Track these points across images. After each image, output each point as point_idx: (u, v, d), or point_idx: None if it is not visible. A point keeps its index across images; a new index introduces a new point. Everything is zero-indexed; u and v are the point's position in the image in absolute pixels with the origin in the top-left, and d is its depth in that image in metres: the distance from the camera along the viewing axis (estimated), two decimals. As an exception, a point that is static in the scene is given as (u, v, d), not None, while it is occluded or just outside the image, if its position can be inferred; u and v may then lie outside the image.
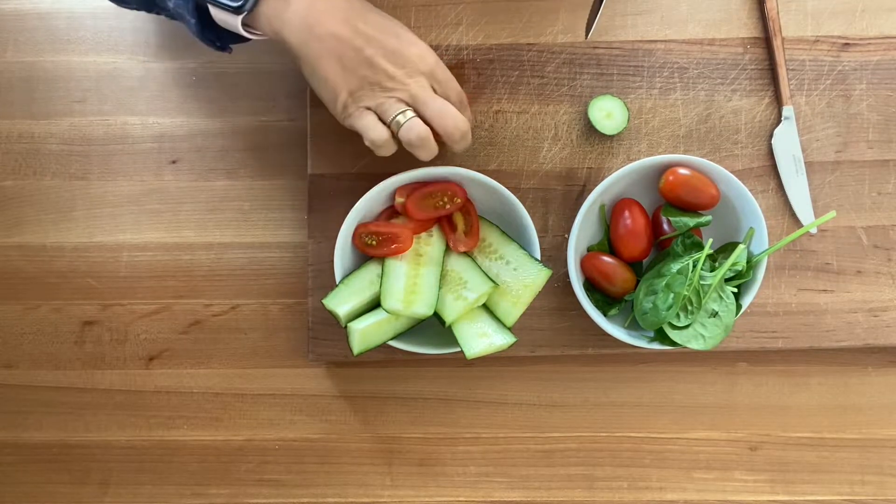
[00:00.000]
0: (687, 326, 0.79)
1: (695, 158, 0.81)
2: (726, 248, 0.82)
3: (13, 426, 0.89)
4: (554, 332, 0.86)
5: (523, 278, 0.81)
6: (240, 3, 0.72)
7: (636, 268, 0.84)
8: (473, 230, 0.83)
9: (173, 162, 0.90)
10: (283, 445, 0.89)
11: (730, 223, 0.83)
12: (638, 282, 0.82)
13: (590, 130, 0.87)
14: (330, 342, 0.87)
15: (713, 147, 0.87)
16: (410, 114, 0.75)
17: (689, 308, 0.79)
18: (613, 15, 0.88)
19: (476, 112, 0.87)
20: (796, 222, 0.87)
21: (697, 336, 0.79)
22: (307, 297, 0.87)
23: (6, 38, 0.91)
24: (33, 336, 0.90)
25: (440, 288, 0.81)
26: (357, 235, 0.82)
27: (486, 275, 0.81)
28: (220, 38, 0.78)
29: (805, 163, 0.87)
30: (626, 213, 0.83)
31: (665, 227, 0.84)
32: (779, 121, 0.87)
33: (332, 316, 0.82)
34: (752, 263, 0.81)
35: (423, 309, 0.79)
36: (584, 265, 0.84)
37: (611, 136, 0.87)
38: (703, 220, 0.81)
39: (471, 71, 0.88)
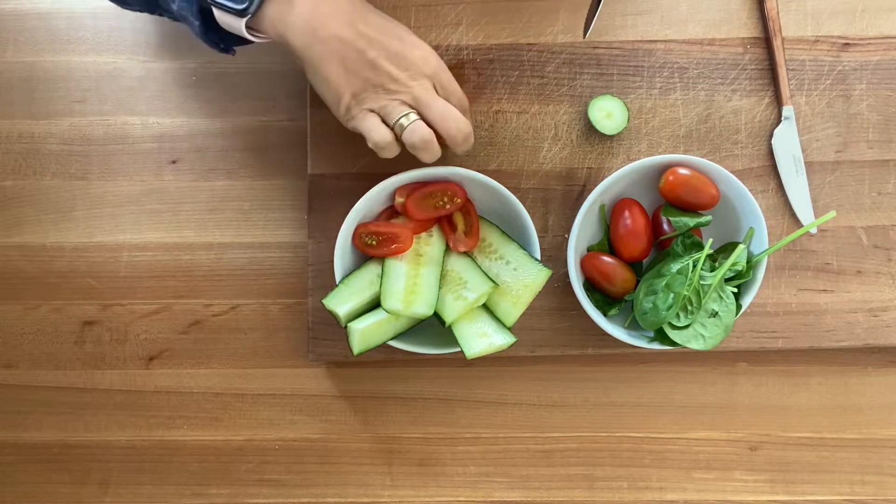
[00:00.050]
0: (687, 326, 0.79)
1: (695, 158, 0.81)
2: (726, 248, 0.82)
3: (13, 426, 0.89)
4: (554, 332, 0.86)
5: (523, 278, 0.81)
6: (244, 7, 0.72)
7: (636, 268, 0.84)
8: (473, 230, 0.83)
9: (173, 162, 0.90)
10: (283, 445, 0.89)
11: (730, 223, 0.83)
12: (638, 282, 0.82)
13: (590, 130, 0.87)
14: (330, 342, 0.87)
15: (713, 147, 0.87)
16: (414, 116, 0.76)
17: (689, 308, 0.79)
18: (613, 15, 0.89)
19: (476, 112, 0.87)
20: (796, 222, 0.87)
21: (697, 336, 0.79)
22: (307, 297, 0.87)
23: (6, 38, 0.91)
24: (33, 336, 0.90)
25: (440, 288, 0.81)
26: (357, 235, 0.82)
27: (486, 275, 0.81)
28: (224, 40, 0.78)
29: (805, 163, 0.87)
30: (626, 213, 0.83)
31: (665, 227, 0.84)
32: (779, 121, 0.87)
33: (332, 316, 0.82)
34: (752, 263, 0.81)
35: (423, 309, 0.79)
36: (584, 265, 0.84)
37: (611, 136, 0.87)
38: (703, 220, 0.81)
39: (471, 71, 0.88)
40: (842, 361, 0.89)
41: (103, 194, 0.90)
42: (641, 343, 0.82)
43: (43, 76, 0.91)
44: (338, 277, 0.82)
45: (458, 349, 0.79)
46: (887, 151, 0.87)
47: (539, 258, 0.81)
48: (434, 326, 0.82)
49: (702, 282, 0.79)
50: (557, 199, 0.87)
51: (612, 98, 0.86)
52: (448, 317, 0.80)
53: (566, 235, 0.86)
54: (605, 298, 0.84)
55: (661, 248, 0.85)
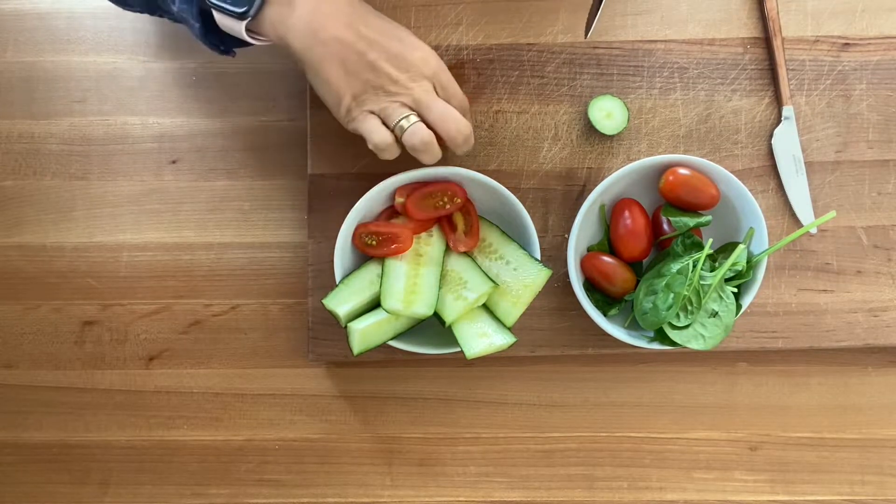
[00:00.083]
0: (687, 326, 0.79)
1: (695, 158, 0.81)
2: (726, 248, 0.82)
3: (13, 426, 0.89)
4: (554, 332, 0.86)
5: (523, 278, 0.81)
6: (244, 9, 0.72)
7: (636, 268, 0.84)
8: (473, 230, 0.83)
9: (173, 162, 0.90)
10: (283, 445, 0.89)
11: (730, 223, 0.83)
12: (638, 282, 0.82)
13: (590, 130, 0.87)
14: (330, 342, 0.87)
15: (713, 147, 0.87)
16: (414, 118, 0.76)
17: (689, 308, 0.79)
18: (613, 15, 0.89)
19: (476, 112, 0.87)
20: (796, 222, 0.87)
21: (697, 336, 0.79)
22: (307, 297, 0.87)
23: (6, 38, 0.91)
24: (33, 336, 0.90)
25: (440, 288, 0.81)
26: (357, 235, 0.82)
27: (486, 275, 0.81)
28: (224, 42, 0.78)
29: (805, 163, 0.87)
30: (626, 213, 0.83)
31: (665, 227, 0.84)
32: (779, 121, 0.87)
33: (332, 316, 0.82)
34: (752, 263, 0.81)
35: (423, 309, 0.79)
36: (584, 265, 0.84)
37: (611, 136, 0.87)
38: (703, 220, 0.81)
39: (471, 71, 0.88)
40: (842, 361, 0.89)
41: (103, 194, 0.90)
42: (641, 343, 0.82)
43: (43, 76, 0.91)
44: (338, 277, 0.82)
45: (458, 349, 0.79)
46: (887, 151, 0.87)
47: (539, 258, 0.81)
48: (434, 326, 0.82)
49: (702, 282, 0.79)
50: (557, 199, 0.87)
51: (612, 98, 0.86)
52: (448, 317, 0.80)
53: (566, 235, 0.86)
54: (605, 298, 0.84)
55: (661, 248, 0.85)
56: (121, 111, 0.91)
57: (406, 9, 0.88)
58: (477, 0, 0.88)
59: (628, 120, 0.86)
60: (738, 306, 0.80)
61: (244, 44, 0.77)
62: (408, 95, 0.75)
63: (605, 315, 0.83)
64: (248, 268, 0.90)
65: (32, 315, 0.90)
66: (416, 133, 0.75)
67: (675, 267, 0.79)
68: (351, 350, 0.80)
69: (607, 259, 0.83)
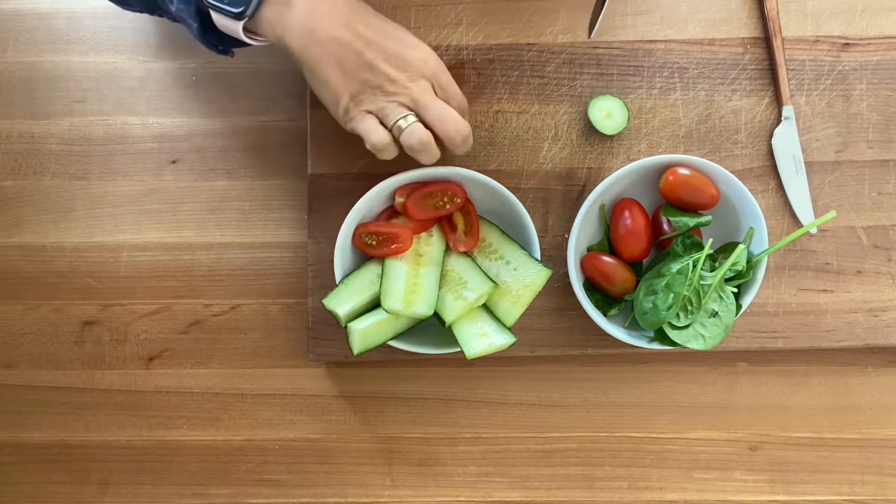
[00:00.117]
0: (687, 326, 0.79)
1: (695, 158, 0.81)
2: (726, 248, 0.82)
3: (13, 426, 0.89)
4: (554, 332, 0.86)
5: (523, 278, 0.81)
6: (241, 10, 0.72)
7: (636, 268, 0.84)
8: (473, 230, 0.83)
9: (173, 162, 0.90)
10: (283, 445, 0.89)
11: (730, 223, 0.83)
12: (638, 282, 0.82)
13: (590, 130, 0.87)
14: (330, 342, 0.87)
15: (713, 147, 0.87)
16: (412, 118, 0.75)
17: (689, 308, 0.79)
18: (613, 15, 0.88)
19: (476, 112, 0.87)
20: (796, 222, 0.87)
21: (697, 336, 0.79)
22: (307, 297, 0.87)
23: (6, 38, 0.91)
24: (33, 336, 0.90)
25: (440, 288, 0.81)
26: (357, 235, 0.82)
27: (486, 275, 0.81)
28: (222, 42, 0.78)
29: (805, 163, 0.87)
30: (626, 213, 0.83)
31: (665, 227, 0.84)
32: (779, 121, 0.87)
33: (332, 316, 0.82)
34: (752, 263, 0.81)
35: (423, 309, 0.79)
36: (584, 265, 0.84)
37: (611, 136, 0.87)
38: (703, 220, 0.81)
39: (471, 71, 0.88)
40: (842, 361, 0.89)
41: (103, 194, 0.90)
42: (641, 343, 0.82)
43: (43, 76, 0.91)
44: (338, 277, 0.82)
45: (458, 349, 0.79)
46: (887, 151, 0.87)
47: (539, 258, 0.81)
48: (434, 326, 0.82)
49: (702, 282, 0.79)
50: (557, 199, 0.87)
51: (612, 98, 0.86)
52: (448, 317, 0.80)
53: (566, 235, 0.86)
54: (605, 298, 0.84)
55: (661, 248, 0.85)
56: (121, 111, 0.91)
57: (406, 9, 0.88)
58: (477, 0, 0.88)
59: (628, 120, 0.86)
60: (738, 306, 0.80)
61: (243, 44, 0.77)
62: (406, 95, 0.75)
63: (605, 315, 0.83)
64: (248, 268, 0.90)
65: (32, 315, 0.90)
66: (414, 133, 0.75)
67: (675, 267, 0.79)
68: (351, 350, 0.80)
69: (607, 259, 0.83)
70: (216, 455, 0.89)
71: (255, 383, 0.89)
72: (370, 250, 0.82)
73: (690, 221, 0.81)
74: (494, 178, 0.82)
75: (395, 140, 0.76)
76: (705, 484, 0.89)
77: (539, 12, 0.88)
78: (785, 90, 0.87)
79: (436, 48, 0.83)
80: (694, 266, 0.79)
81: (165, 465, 0.89)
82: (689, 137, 0.87)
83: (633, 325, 0.83)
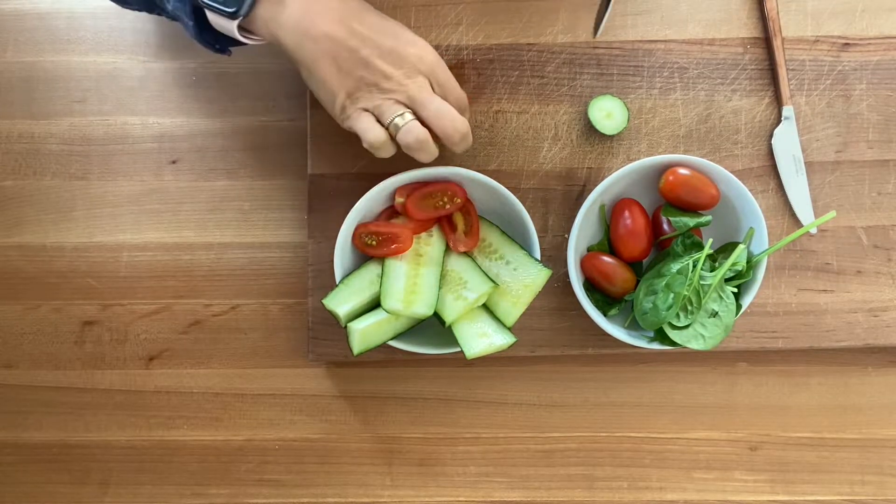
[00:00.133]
0: (687, 326, 0.79)
1: (695, 158, 0.81)
2: (726, 248, 0.82)
3: (13, 426, 0.89)
4: (554, 332, 0.86)
5: (523, 278, 0.81)
6: (234, 9, 0.72)
7: (636, 268, 0.84)
8: (473, 230, 0.83)
9: (173, 162, 0.90)
10: (283, 445, 0.89)
11: (730, 223, 0.83)
12: (638, 282, 0.82)
13: (590, 130, 0.87)
14: (330, 342, 0.87)
15: (713, 147, 0.87)
16: (409, 116, 0.75)
17: (689, 308, 0.79)
18: (614, 15, 0.88)
19: (476, 112, 0.87)
20: (796, 222, 0.87)
21: (697, 336, 0.79)
22: (307, 297, 0.87)
23: (6, 38, 0.91)
24: (33, 336, 0.90)
25: (440, 288, 0.81)
26: (357, 235, 0.82)
27: (486, 275, 0.81)
28: (218, 41, 0.77)
29: (805, 163, 0.87)
30: (626, 213, 0.83)
31: (665, 227, 0.84)
32: (779, 121, 0.87)
33: (332, 316, 0.82)
34: (752, 263, 0.81)
35: (423, 309, 0.79)
36: (584, 265, 0.84)
37: (611, 136, 0.87)
38: (703, 220, 0.81)
39: (471, 71, 0.88)
40: (842, 361, 0.89)
41: (103, 194, 0.90)
42: (641, 343, 0.82)
43: (43, 76, 0.91)
44: (338, 277, 0.82)
45: (458, 349, 0.79)
46: (887, 151, 0.87)
47: (539, 258, 0.81)
48: (434, 326, 0.82)
49: (702, 282, 0.79)
50: (557, 199, 0.87)
51: (612, 98, 0.86)
52: (448, 317, 0.80)
53: (566, 235, 0.86)
54: (605, 298, 0.84)
55: (661, 248, 0.85)
56: (121, 111, 0.91)
57: (406, 9, 0.88)
58: (477, 0, 0.88)
59: (628, 120, 0.86)
60: (738, 306, 0.80)
61: (239, 43, 0.77)
62: (402, 92, 0.74)
63: (605, 315, 0.83)
64: (248, 268, 0.90)
65: (32, 315, 0.90)
66: (411, 131, 0.75)
67: (675, 267, 0.79)
68: (351, 350, 0.80)
69: (607, 259, 0.83)
70: (216, 455, 0.89)
71: (255, 383, 0.89)
72: (370, 250, 0.82)
73: (690, 221, 0.81)
74: (494, 178, 0.82)
75: (393, 138, 0.76)
76: (705, 484, 0.89)
77: (539, 12, 0.88)
78: (785, 90, 0.87)
79: (436, 48, 0.82)
80: (694, 266, 0.79)
81: (165, 465, 0.89)
82: (689, 137, 0.87)
83: (633, 325, 0.83)
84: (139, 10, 0.83)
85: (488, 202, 0.84)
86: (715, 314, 0.79)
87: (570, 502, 0.89)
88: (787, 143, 0.87)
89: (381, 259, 0.82)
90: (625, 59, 0.88)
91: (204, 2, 0.72)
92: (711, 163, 0.81)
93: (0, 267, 0.90)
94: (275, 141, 0.90)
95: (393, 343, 0.82)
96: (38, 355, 0.90)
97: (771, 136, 0.87)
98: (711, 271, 0.79)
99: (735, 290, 0.80)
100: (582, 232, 0.83)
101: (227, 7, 0.72)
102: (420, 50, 0.75)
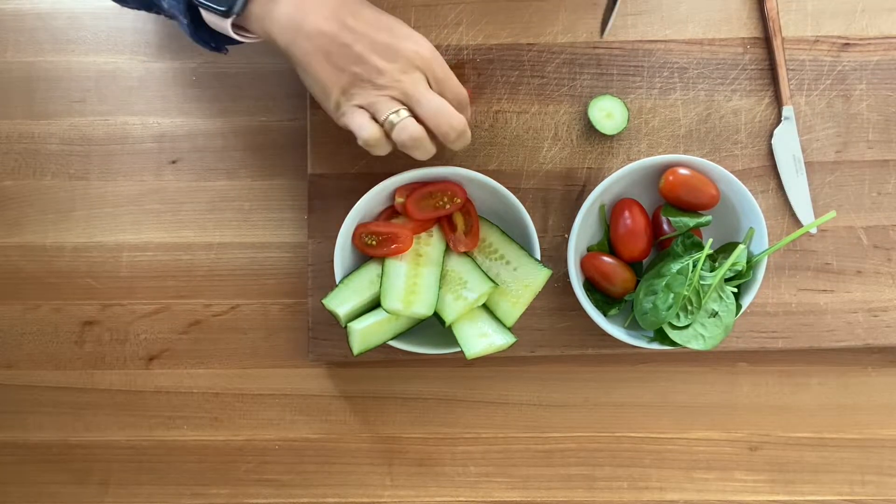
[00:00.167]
0: (687, 326, 0.79)
1: (695, 158, 0.81)
2: (726, 248, 0.82)
3: (13, 426, 0.89)
4: (554, 332, 0.86)
5: (523, 278, 0.81)
6: (226, 7, 0.71)
7: (636, 268, 0.84)
8: (473, 230, 0.83)
9: (173, 162, 0.90)
10: (283, 445, 0.89)
11: (730, 223, 0.83)
12: (638, 282, 0.82)
13: (590, 130, 0.87)
14: (330, 342, 0.87)
15: (713, 147, 0.87)
16: (404, 113, 0.73)
17: (689, 308, 0.79)
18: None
19: (476, 112, 0.87)
20: (796, 222, 0.87)
21: (697, 336, 0.79)
22: (307, 297, 0.87)
23: (6, 38, 0.91)
24: (33, 336, 0.90)
25: (440, 288, 0.81)
26: (357, 235, 0.82)
27: (486, 275, 0.81)
28: (214, 39, 0.77)
29: (805, 163, 0.87)
30: (626, 213, 0.83)
31: (665, 227, 0.84)
32: (779, 121, 0.87)
33: (332, 316, 0.82)
34: (752, 263, 0.81)
35: (423, 309, 0.79)
36: (584, 265, 0.84)
37: (611, 136, 0.87)
38: (703, 220, 0.81)
39: (471, 71, 0.88)
40: (842, 361, 0.89)
41: (103, 194, 0.90)
42: (641, 343, 0.82)
43: (43, 76, 0.91)
44: (338, 277, 0.82)
45: (458, 349, 0.79)
46: (887, 151, 0.87)
47: (539, 258, 0.81)
48: (434, 326, 0.82)
49: (702, 282, 0.79)
50: (557, 199, 0.87)
51: (612, 98, 0.86)
52: (448, 317, 0.80)
53: (566, 235, 0.86)
54: (605, 298, 0.84)
55: (661, 248, 0.85)
56: (121, 111, 0.91)
57: (406, 9, 0.88)
58: (477, 0, 0.88)
59: (628, 120, 0.86)
60: (738, 306, 0.80)
61: (235, 41, 0.76)
62: (397, 88, 0.73)
63: (605, 315, 0.83)
64: (248, 268, 0.90)
65: (32, 315, 0.90)
66: (406, 128, 0.73)
67: (675, 267, 0.79)
68: (351, 350, 0.80)
69: (607, 259, 0.83)
70: (216, 455, 0.89)
71: (255, 383, 0.89)
72: (370, 250, 0.82)
73: (690, 221, 0.81)
74: (494, 178, 0.82)
75: (388, 135, 0.75)
76: (705, 484, 0.89)
77: (539, 12, 0.88)
78: (785, 90, 0.87)
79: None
80: (694, 266, 0.79)
81: (165, 465, 0.89)
82: (689, 137, 0.87)
83: (633, 325, 0.83)
84: (138, 8, 0.83)
85: (488, 202, 0.84)
86: (715, 314, 0.79)
87: (570, 502, 0.89)
88: (787, 143, 0.87)
89: (381, 259, 0.82)
90: (625, 59, 0.88)
91: (197, 0, 0.72)
92: (711, 163, 0.81)
93: (0, 267, 0.90)
94: (275, 141, 0.90)
95: (393, 343, 0.82)
96: (38, 355, 0.90)
97: (771, 136, 0.87)
98: (711, 271, 0.79)
99: (735, 290, 0.80)
100: (582, 232, 0.83)
101: (220, 5, 0.71)
102: (416, 45, 0.74)
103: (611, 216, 0.84)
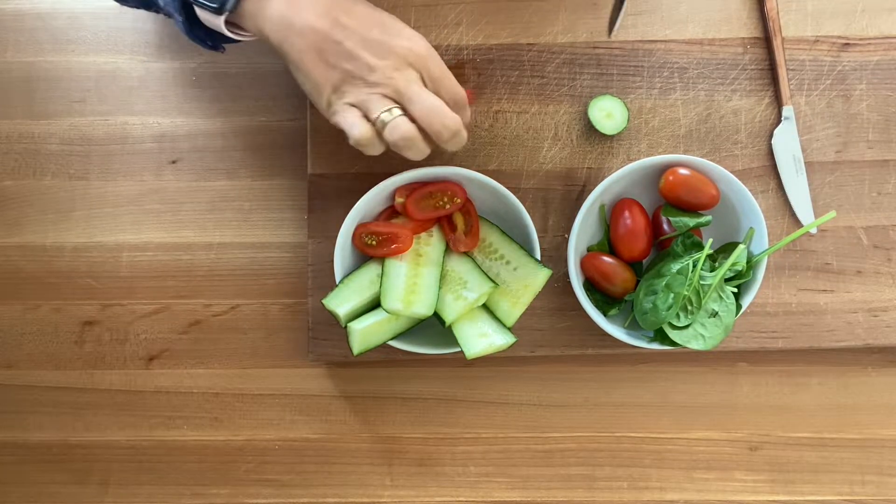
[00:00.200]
0: (687, 326, 0.79)
1: (695, 158, 0.81)
2: (726, 248, 0.82)
3: (13, 426, 0.89)
4: (554, 332, 0.86)
5: (523, 278, 0.81)
6: (218, 4, 0.70)
7: (636, 268, 0.84)
8: (473, 230, 0.83)
9: (173, 162, 0.90)
10: (283, 445, 0.89)
11: (730, 223, 0.83)
12: (638, 282, 0.82)
13: (590, 130, 0.87)
14: (330, 342, 0.87)
15: (713, 147, 0.87)
16: (397, 111, 0.72)
17: (689, 308, 0.79)
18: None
19: (476, 112, 0.87)
20: (796, 222, 0.87)
21: (697, 336, 0.79)
22: (307, 297, 0.87)
23: (6, 38, 0.91)
24: (33, 336, 0.90)
25: (440, 288, 0.81)
26: (357, 235, 0.82)
27: (486, 275, 0.81)
28: (210, 38, 0.76)
29: (805, 163, 0.87)
30: (626, 213, 0.83)
31: (665, 227, 0.84)
32: (779, 121, 0.87)
33: (332, 316, 0.82)
34: (752, 263, 0.81)
35: (423, 309, 0.79)
36: (584, 265, 0.84)
37: (611, 136, 0.87)
38: (703, 220, 0.81)
39: (471, 71, 0.88)
40: (842, 361, 0.89)
41: (103, 194, 0.90)
42: (641, 343, 0.82)
43: (43, 76, 0.91)
44: (338, 277, 0.82)
45: (458, 349, 0.79)
46: (887, 151, 0.87)
47: (539, 258, 0.81)
48: (434, 326, 0.82)
49: (702, 282, 0.79)
50: (557, 199, 0.87)
51: (612, 98, 0.86)
52: (448, 317, 0.80)
53: (566, 235, 0.86)
54: (605, 298, 0.84)
55: (661, 248, 0.85)
56: (121, 111, 0.91)
57: (406, 9, 0.88)
58: (477, 0, 0.88)
59: (628, 120, 0.86)
60: (738, 306, 0.80)
61: (231, 39, 0.76)
62: (389, 86, 0.71)
63: (605, 315, 0.83)
64: (248, 268, 0.90)
65: (32, 315, 0.90)
66: (398, 128, 0.71)
67: (675, 267, 0.79)
68: (351, 350, 0.80)
69: (607, 259, 0.83)
70: (216, 455, 0.89)
71: (255, 383, 0.89)
72: (370, 250, 0.82)
73: (690, 221, 0.81)
74: (494, 178, 0.82)
75: (380, 135, 0.73)
76: (705, 484, 0.89)
77: (539, 12, 0.88)
78: (785, 90, 0.87)
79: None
80: (694, 266, 0.79)
81: (165, 465, 0.89)
82: (689, 137, 0.87)
83: (633, 325, 0.83)
84: (137, 7, 0.82)
85: (488, 202, 0.84)
86: (715, 314, 0.79)
87: (570, 502, 0.89)
88: (787, 143, 0.87)
89: (381, 259, 0.82)
90: (625, 59, 0.88)
91: None
92: (711, 163, 0.81)
93: (0, 267, 0.90)
94: (275, 141, 0.90)
95: (393, 343, 0.82)
96: (38, 355, 0.90)
97: (771, 136, 0.87)
98: (711, 271, 0.79)
99: (735, 290, 0.80)
100: (582, 232, 0.83)
101: (213, 2, 0.71)
102: (410, 41, 0.72)
103: (611, 216, 0.84)
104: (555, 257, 0.86)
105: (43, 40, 0.91)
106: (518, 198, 0.82)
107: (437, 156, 0.78)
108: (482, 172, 0.82)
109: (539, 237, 0.82)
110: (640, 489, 0.89)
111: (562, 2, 0.89)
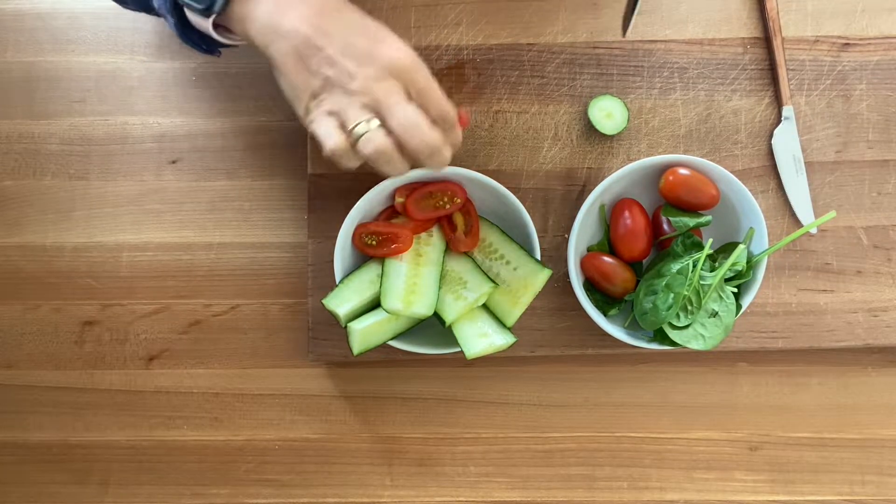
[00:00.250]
0: (687, 326, 0.79)
1: (695, 158, 0.81)
2: (726, 248, 0.82)
3: (13, 426, 0.89)
4: (554, 332, 0.86)
5: (523, 278, 0.81)
6: (206, 5, 0.69)
7: (636, 268, 0.84)
8: (473, 230, 0.83)
9: (173, 162, 0.90)
10: (283, 445, 0.89)
11: (730, 223, 0.83)
12: (638, 282, 0.82)
13: (590, 130, 0.87)
14: (330, 342, 0.87)
15: (713, 147, 0.87)
16: (375, 123, 0.68)
17: (689, 308, 0.79)
18: (614, 15, 0.89)
19: (476, 112, 0.87)
20: (796, 222, 0.87)
21: (697, 336, 0.79)
22: (307, 297, 0.87)
23: (6, 38, 0.91)
24: (33, 336, 0.90)
25: (440, 288, 0.81)
26: (357, 235, 0.82)
27: (486, 275, 0.81)
28: (204, 41, 0.75)
29: (805, 163, 0.87)
30: (626, 213, 0.83)
31: (665, 227, 0.84)
32: (779, 121, 0.87)
33: (332, 316, 0.82)
34: (752, 263, 0.81)
35: (422, 309, 0.79)
36: (584, 265, 0.84)
37: (611, 136, 0.87)
38: (703, 220, 0.81)
39: (471, 71, 0.88)
40: (842, 361, 0.89)
41: (103, 194, 0.90)
42: (641, 343, 0.82)
43: (43, 76, 0.91)
44: (338, 277, 0.82)
45: (458, 349, 0.79)
46: (887, 151, 0.87)
47: (539, 258, 0.81)
48: (434, 326, 0.82)
49: (702, 282, 0.79)
50: (557, 199, 0.87)
51: (612, 98, 0.86)
52: (448, 317, 0.80)
53: (566, 235, 0.86)
54: (605, 298, 0.84)
55: (661, 248, 0.85)
56: (121, 111, 0.91)
57: (406, 9, 0.88)
58: (477, 0, 0.88)
59: (628, 120, 0.86)
60: (738, 306, 0.80)
61: (223, 43, 0.75)
62: (368, 95, 0.68)
63: (605, 315, 0.83)
64: (248, 268, 0.90)
65: (32, 315, 0.90)
66: (371, 141, 0.68)
67: (675, 267, 0.79)
68: (351, 350, 0.80)
69: (607, 259, 0.83)
70: (216, 455, 0.89)
71: (255, 383, 0.89)
72: (370, 250, 0.82)
73: (690, 221, 0.81)
74: (494, 178, 0.82)
75: (354, 147, 0.70)
76: (705, 484, 0.89)
77: (539, 12, 0.88)
78: (785, 90, 0.87)
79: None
80: (694, 266, 0.79)
81: (165, 465, 0.89)
82: (689, 137, 0.87)
83: (633, 325, 0.83)
84: (137, 10, 0.82)
85: (488, 202, 0.84)
86: (715, 314, 0.79)
87: (570, 502, 0.89)
88: (787, 143, 0.87)
89: (381, 259, 0.82)
90: (625, 59, 0.88)
91: None
92: (711, 163, 0.81)
93: (0, 267, 0.90)
94: (275, 141, 0.90)
95: (393, 343, 0.82)
96: (38, 355, 0.90)
97: (771, 136, 0.87)
98: (711, 271, 0.79)
99: (735, 290, 0.80)
100: (582, 232, 0.83)
101: (200, 3, 0.69)
102: (395, 50, 0.69)
103: (611, 216, 0.84)
104: (555, 257, 0.86)
105: (43, 40, 0.91)
106: (518, 198, 0.82)
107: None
108: (482, 172, 0.82)
109: (539, 237, 0.82)
110: (640, 489, 0.89)
111: (562, 2, 0.89)
